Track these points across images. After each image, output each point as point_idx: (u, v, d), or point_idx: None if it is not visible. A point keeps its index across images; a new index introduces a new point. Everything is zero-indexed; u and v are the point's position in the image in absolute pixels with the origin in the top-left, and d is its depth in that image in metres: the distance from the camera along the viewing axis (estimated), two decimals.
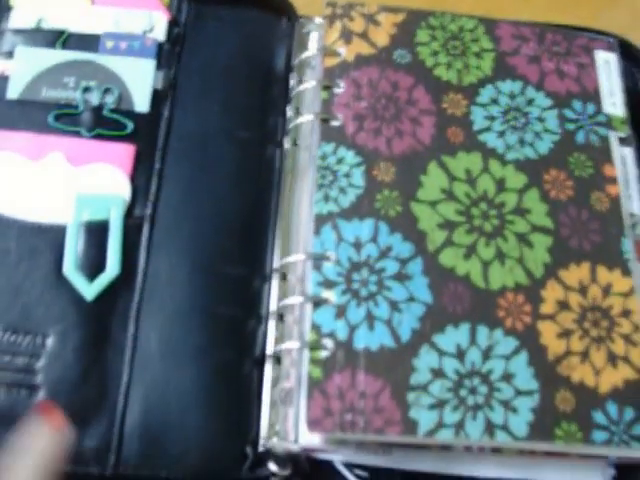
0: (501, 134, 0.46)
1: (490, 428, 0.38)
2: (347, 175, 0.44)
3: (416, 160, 0.45)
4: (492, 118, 0.47)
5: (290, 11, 0.53)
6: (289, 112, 0.49)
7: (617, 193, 0.46)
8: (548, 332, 0.41)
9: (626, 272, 0.43)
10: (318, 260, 0.42)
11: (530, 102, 0.48)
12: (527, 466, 0.41)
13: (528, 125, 0.47)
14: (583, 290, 0.42)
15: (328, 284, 0.41)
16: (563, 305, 0.42)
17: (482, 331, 0.41)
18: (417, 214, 0.43)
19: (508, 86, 0.48)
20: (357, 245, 0.42)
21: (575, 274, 0.42)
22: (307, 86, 0.48)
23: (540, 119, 0.47)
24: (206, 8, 0.52)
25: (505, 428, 0.38)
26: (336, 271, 0.41)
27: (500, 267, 0.42)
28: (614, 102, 0.49)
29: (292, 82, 0.50)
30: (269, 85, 0.50)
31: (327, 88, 0.47)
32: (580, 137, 0.47)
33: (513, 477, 0.41)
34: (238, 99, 0.49)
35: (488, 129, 0.46)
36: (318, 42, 0.50)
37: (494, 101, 0.47)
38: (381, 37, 0.49)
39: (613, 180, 0.46)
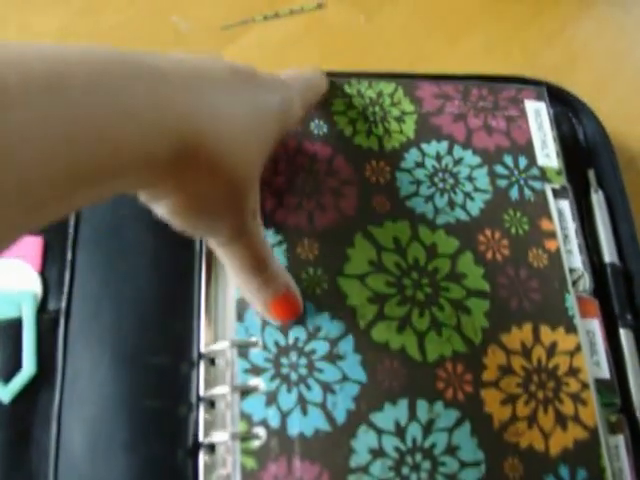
0: (429, 198, 0.48)
1: None
2: None
3: (341, 233, 0.46)
4: (419, 182, 0.48)
5: None
6: None
7: (556, 247, 0.47)
8: (492, 399, 0.43)
9: (571, 329, 0.45)
10: (243, 346, 0.43)
11: (458, 162, 0.49)
12: None
13: (458, 186, 0.49)
14: (526, 352, 0.43)
15: (256, 370, 0.43)
16: (506, 370, 0.43)
17: (422, 405, 0.42)
18: (345, 290, 0.44)
19: (433, 147, 0.50)
20: (283, 328, 0.43)
21: (517, 336, 0.44)
22: None
23: (470, 178, 0.49)
24: None
25: None
26: (263, 356, 0.43)
27: (437, 337, 0.44)
28: (547, 154, 0.51)
29: None
30: None
31: None
32: (514, 193, 0.48)
33: None
34: None
35: (415, 194, 0.48)
36: None
37: (419, 164, 0.49)
38: None
39: (552, 234, 0.48)
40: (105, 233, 0.48)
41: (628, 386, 0.48)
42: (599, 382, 0.46)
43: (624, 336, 0.49)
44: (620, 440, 0.45)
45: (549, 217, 0.49)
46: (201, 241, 0.49)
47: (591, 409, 0.43)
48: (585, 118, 0.58)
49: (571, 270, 0.48)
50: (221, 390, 0.43)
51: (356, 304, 0.44)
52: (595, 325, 0.47)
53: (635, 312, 0.51)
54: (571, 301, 0.46)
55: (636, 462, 0.45)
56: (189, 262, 0.49)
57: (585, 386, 0.44)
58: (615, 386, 0.47)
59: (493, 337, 0.44)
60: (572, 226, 0.50)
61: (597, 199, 0.54)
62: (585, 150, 0.57)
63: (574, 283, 0.48)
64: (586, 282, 0.49)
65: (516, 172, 0.50)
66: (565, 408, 0.43)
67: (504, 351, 0.44)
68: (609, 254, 0.52)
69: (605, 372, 0.46)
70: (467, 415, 0.42)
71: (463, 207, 0.48)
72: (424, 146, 0.51)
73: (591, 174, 0.55)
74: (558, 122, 0.55)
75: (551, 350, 0.44)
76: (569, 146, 0.55)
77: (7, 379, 0.44)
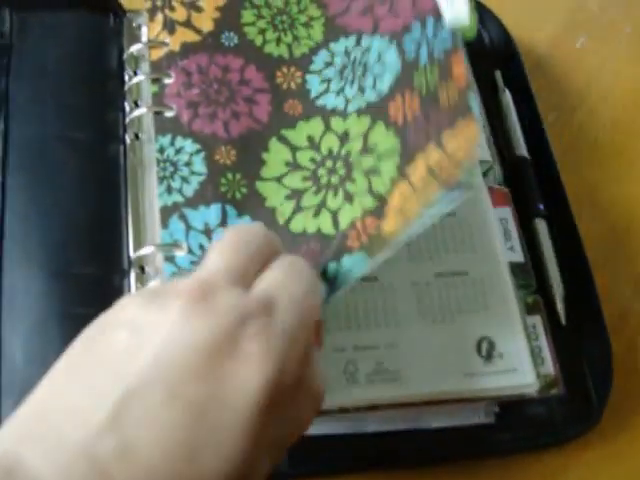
0: (340, 92, 0.50)
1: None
2: (188, 164, 0.48)
3: (256, 139, 0.49)
4: (328, 81, 0.51)
5: (116, 8, 0.56)
6: (127, 107, 0.53)
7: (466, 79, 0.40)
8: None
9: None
10: (169, 251, 0.45)
11: (367, 50, 0.50)
12: (406, 415, 0.46)
13: (367, 71, 0.49)
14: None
15: (183, 274, 0.44)
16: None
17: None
18: (263, 193, 0.47)
19: (341, 44, 0.52)
20: (207, 232, 0.46)
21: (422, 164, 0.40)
22: (138, 80, 0.51)
23: (379, 60, 0.48)
24: (30, 15, 0.56)
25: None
26: (189, 260, 0.45)
27: (349, 207, 0.44)
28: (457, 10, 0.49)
29: (126, 77, 0.53)
30: (103, 83, 0.54)
31: (156, 81, 0.50)
32: (423, 55, 0.44)
33: (393, 428, 0.46)
34: (72, 101, 0.53)
35: (325, 91, 0.51)
36: (145, 35, 0.53)
37: (329, 64, 0.51)
38: (205, 23, 0.53)
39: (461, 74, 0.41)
40: (31, 155, 0.51)
41: (544, 270, 0.52)
42: (514, 265, 0.48)
43: (538, 225, 0.53)
44: (537, 320, 0.48)
45: (459, 59, 0.41)
46: (124, 154, 0.51)
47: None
48: (490, 23, 0.61)
49: (481, 162, 0.51)
50: None
51: (275, 204, 0.47)
52: (507, 212, 0.50)
53: (547, 202, 0.54)
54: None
55: (554, 340, 0.48)
56: (113, 177, 0.51)
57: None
58: (530, 269, 0.50)
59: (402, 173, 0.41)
60: (479, 120, 0.52)
61: (505, 98, 0.58)
62: (491, 53, 0.60)
63: (485, 174, 0.51)
64: (496, 173, 0.52)
65: (424, 37, 0.48)
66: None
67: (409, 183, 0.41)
68: (519, 148, 0.56)
69: (519, 256, 0.49)
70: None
71: (374, 88, 0.48)
72: (332, 45, 0.52)
73: (498, 75, 0.59)
74: None
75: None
76: (476, 50, 0.57)
77: None
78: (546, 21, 0.66)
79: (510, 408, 0.48)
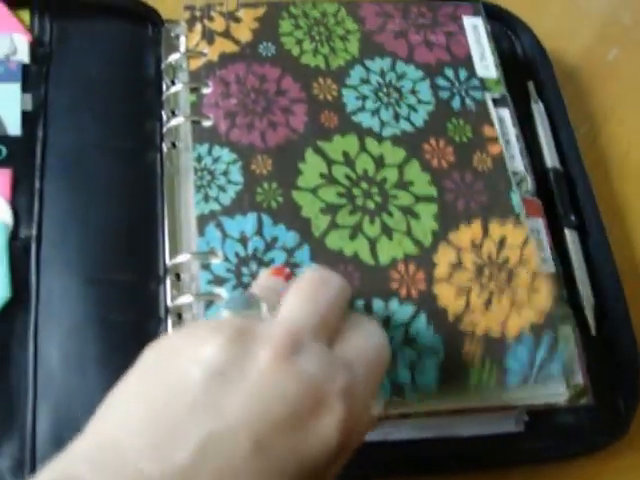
0: (375, 112, 0.52)
1: (397, 388, 0.43)
2: (225, 173, 0.49)
3: (292, 149, 0.50)
4: (364, 98, 0.52)
5: (154, 18, 0.58)
6: (164, 116, 0.54)
7: (500, 151, 0.51)
8: (445, 294, 0.45)
9: (518, 223, 0.49)
10: (205, 259, 0.46)
11: (401, 76, 0.54)
12: (440, 424, 0.47)
13: (402, 99, 0.53)
14: (476, 248, 0.48)
15: (218, 281, 0.46)
16: (457, 266, 0.47)
17: (377, 304, 0.45)
18: (299, 202, 0.48)
19: (377, 64, 0.54)
20: (243, 240, 0.47)
21: (466, 234, 0.48)
22: (176, 89, 0.53)
23: (413, 91, 0.53)
24: (69, 25, 0.57)
25: (414, 387, 0.43)
26: (225, 267, 0.46)
27: (388, 241, 0.47)
28: (486, 65, 0.55)
29: (164, 86, 0.55)
30: (141, 92, 0.56)
31: (195, 90, 0.52)
32: (456, 103, 0.52)
33: (428, 436, 0.47)
34: (111, 110, 0.54)
35: (361, 109, 0.52)
36: (183, 45, 0.54)
37: (364, 81, 0.53)
38: (243, 33, 0.54)
39: (494, 140, 0.52)
40: (69, 162, 0.52)
41: (574, 281, 0.52)
42: None
43: (569, 236, 0.54)
44: (568, 330, 0.49)
45: (491, 124, 0.53)
46: (161, 163, 0.53)
47: (544, 295, 0.47)
48: (523, 35, 0.62)
49: (514, 173, 0.51)
50: (186, 299, 0.46)
51: (310, 215, 0.48)
52: (539, 223, 0.51)
53: (578, 213, 0.55)
54: (517, 199, 0.50)
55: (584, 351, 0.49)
56: (150, 184, 0.52)
57: (536, 275, 0.48)
58: (561, 279, 0.51)
59: (443, 237, 0.48)
60: (513, 132, 0.54)
61: (537, 109, 0.58)
62: (524, 64, 0.61)
63: (518, 185, 0.52)
64: (528, 184, 0.52)
65: (457, 84, 0.54)
66: (518, 296, 0.47)
67: (454, 249, 0.48)
68: (551, 159, 0.56)
69: (551, 267, 0.50)
70: (422, 309, 0.46)
71: (407, 119, 0.52)
72: (368, 63, 0.54)
73: (530, 86, 0.60)
74: (497, 39, 0.58)
75: (501, 244, 0.48)
76: (508, 61, 0.58)
77: None
78: (579, 33, 0.67)
79: (539, 417, 0.48)
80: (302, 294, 0.36)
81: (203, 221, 0.47)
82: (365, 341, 0.37)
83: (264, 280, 0.43)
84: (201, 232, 0.47)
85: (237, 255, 0.46)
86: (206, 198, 0.48)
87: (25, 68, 0.54)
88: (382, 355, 0.37)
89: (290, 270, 0.45)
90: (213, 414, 0.30)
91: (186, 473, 0.29)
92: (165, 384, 0.32)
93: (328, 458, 0.32)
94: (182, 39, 0.56)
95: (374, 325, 0.38)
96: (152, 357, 0.34)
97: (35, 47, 0.55)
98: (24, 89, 0.54)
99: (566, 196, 0.55)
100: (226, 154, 0.49)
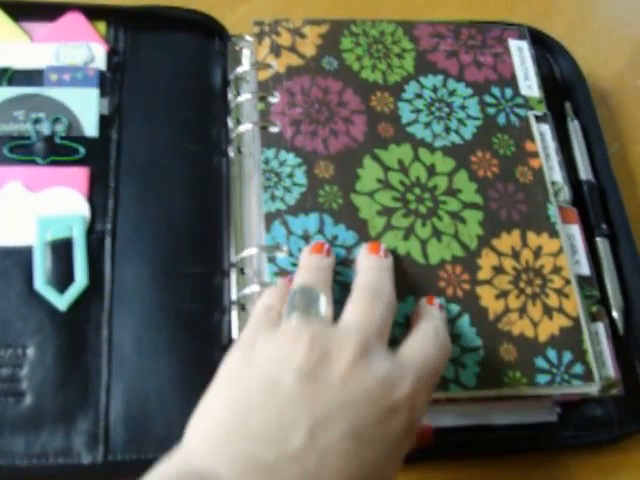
0: (427, 125, 0.56)
1: (443, 383, 0.48)
2: (290, 175, 0.53)
3: (352, 156, 0.55)
4: (418, 111, 0.57)
5: (221, 32, 0.63)
6: (230, 123, 0.59)
7: (539, 165, 0.56)
8: (487, 295, 0.50)
9: (553, 234, 0.54)
10: (271, 253, 0.51)
11: (452, 93, 0.58)
12: (480, 412, 0.51)
13: (452, 114, 0.57)
14: (516, 254, 0.52)
15: (283, 274, 0.50)
16: (498, 270, 0.51)
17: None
18: (357, 205, 0.53)
19: (430, 81, 0.59)
20: (306, 237, 0.51)
21: (507, 241, 0.53)
22: (244, 98, 0.58)
23: (463, 107, 0.58)
24: (142, 36, 0.62)
25: (456, 381, 0.48)
26: (289, 261, 0.50)
27: (437, 243, 0.52)
28: (530, 85, 0.60)
29: (230, 95, 0.60)
30: (209, 100, 0.60)
31: (263, 99, 0.56)
32: (501, 119, 0.57)
33: (469, 423, 0.51)
34: (181, 116, 0.59)
35: (415, 121, 0.57)
36: (250, 58, 0.60)
37: (418, 96, 0.58)
38: (308, 48, 0.59)
39: (534, 154, 0.57)
40: (142, 163, 0.57)
41: (604, 285, 0.57)
42: (580, 278, 0.54)
43: (600, 243, 0.58)
44: (600, 327, 0.54)
45: (532, 139, 0.58)
46: (227, 166, 0.58)
47: (573, 301, 0.52)
48: (561, 58, 0.67)
49: (553, 183, 0.56)
50: (252, 289, 0.51)
51: (367, 217, 0.52)
52: (575, 229, 0.56)
53: (609, 222, 0.60)
54: (553, 211, 0.55)
55: (615, 347, 0.54)
56: (216, 186, 0.57)
57: (567, 282, 0.52)
58: (594, 281, 0.55)
59: (486, 242, 0.53)
60: (552, 146, 0.59)
61: (573, 127, 0.63)
62: (562, 85, 0.66)
63: (555, 194, 0.56)
64: (566, 193, 0.57)
65: (503, 101, 0.59)
66: (551, 301, 0.52)
67: (496, 254, 0.53)
68: (585, 173, 0.61)
69: (585, 269, 0.55)
70: (466, 308, 0.51)
71: (457, 132, 0.57)
72: (422, 79, 0.59)
73: (567, 105, 0.65)
74: (537, 62, 0.63)
75: (537, 252, 0.53)
76: (547, 83, 0.63)
77: (62, 290, 0.51)
78: (612, 57, 0.72)
79: (571, 408, 0.53)
80: (360, 302, 0.44)
81: (270, 218, 0.52)
82: (428, 340, 0.44)
83: (307, 259, 0.49)
84: (268, 228, 0.52)
85: (300, 250, 0.51)
86: (272, 197, 0.53)
87: (102, 75, 0.59)
88: (444, 350, 0.45)
89: (329, 245, 0.50)
90: (313, 406, 0.38)
91: (299, 455, 0.36)
92: (255, 388, 0.39)
93: (404, 443, 0.40)
94: (246, 52, 0.61)
95: (441, 329, 0.46)
96: (235, 366, 0.41)
97: (111, 56, 0.60)
98: (101, 94, 0.58)
99: (598, 207, 0.60)
100: (291, 158, 0.54)
